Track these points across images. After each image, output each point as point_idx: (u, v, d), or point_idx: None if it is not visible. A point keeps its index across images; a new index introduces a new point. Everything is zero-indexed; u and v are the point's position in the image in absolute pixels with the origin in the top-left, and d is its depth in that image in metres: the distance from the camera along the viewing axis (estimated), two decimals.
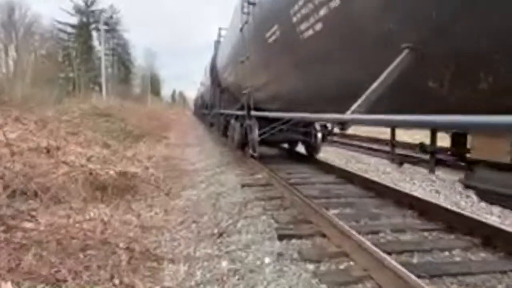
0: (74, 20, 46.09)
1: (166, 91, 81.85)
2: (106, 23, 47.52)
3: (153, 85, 63.24)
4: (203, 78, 19.49)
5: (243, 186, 4.96)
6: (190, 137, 15.02)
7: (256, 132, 5.49)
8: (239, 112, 5.95)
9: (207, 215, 4.27)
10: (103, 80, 30.99)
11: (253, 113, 5.14)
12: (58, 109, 14.29)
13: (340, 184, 5.22)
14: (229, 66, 6.34)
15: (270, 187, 4.91)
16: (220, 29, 12.06)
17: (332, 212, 3.73)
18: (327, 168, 6.36)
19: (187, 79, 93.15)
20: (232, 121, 8.27)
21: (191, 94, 49.91)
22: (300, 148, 8.46)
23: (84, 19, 47.02)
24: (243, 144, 7.18)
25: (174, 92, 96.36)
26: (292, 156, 8.07)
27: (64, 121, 8.04)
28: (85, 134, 7.47)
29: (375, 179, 5.34)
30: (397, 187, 4.77)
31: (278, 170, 6.29)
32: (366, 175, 5.66)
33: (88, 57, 45.50)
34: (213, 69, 10.44)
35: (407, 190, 4.77)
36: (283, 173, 6.05)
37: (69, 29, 46.05)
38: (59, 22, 43.96)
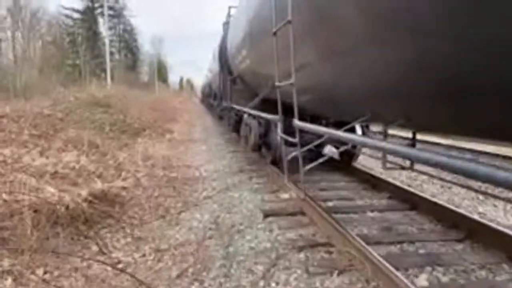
0: (80, 5, 44.65)
1: (173, 78, 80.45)
2: (112, 8, 46.10)
3: (160, 72, 61.90)
4: (210, 64, 17.97)
5: (266, 215, 3.53)
6: (196, 130, 13.62)
7: (296, 149, 3.36)
8: (269, 116, 4.11)
9: (215, 268, 2.87)
10: (107, 66, 29.66)
11: (303, 125, 2.82)
12: (54, 99, 13.06)
13: (401, 211, 3.76)
14: (244, 47, 4.86)
15: (304, 217, 3.47)
16: (230, 7, 10.56)
17: (421, 282, 2.29)
18: (370, 181, 4.90)
19: (195, 66, 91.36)
20: (246, 116, 6.81)
21: (199, 81, 48.43)
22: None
23: (89, 4, 45.50)
24: (259, 146, 5.74)
25: (181, 79, 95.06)
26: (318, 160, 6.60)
27: (44, 116, 6.67)
28: (66, 133, 6.09)
29: (441, 201, 3.87)
30: (486, 221, 3.29)
31: (306, 182, 4.86)
32: (425, 194, 4.19)
33: (93, 43, 44.12)
34: (222, 54, 8.93)
35: (492, 222, 3.33)
36: (315, 188, 4.61)
37: (75, 15, 44.70)
38: (64, 8, 42.57)
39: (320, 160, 3.19)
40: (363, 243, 2.61)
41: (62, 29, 42.30)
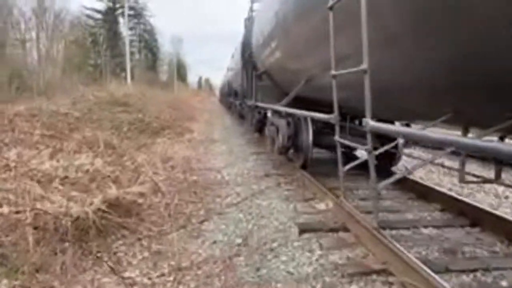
0: (101, 6, 45.19)
1: (192, 78, 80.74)
2: (132, 9, 46.50)
3: (180, 71, 62.12)
4: (230, 63, 17.60)
5: (302, 231, 3.04)
6: (216, 129, 13.24)
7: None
8: (324, 116, 3.02)
9: None
10: (127, 66, 29.81)
11: (380, 126, 2.04)
12: (74, 97, 13.00)
13: (461, 228, 3.19)
14: (273, 39, 4.37)
15: (348, 234, 2.97)
16: (252, 2, 10.15)
17: None
18: (415, 188, 4.33)
19: (213, 65, 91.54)
20: (270, 116, 6.34)
21: (218, 81, 48.36)
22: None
23: (110, 4, 45.98)
24: (287, 148, 5.25)
25: (200, 79, 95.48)
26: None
27: (60, 114, 6.39)
28: (82, 133, 5.78)
29: (505, 215, 3.28)
30: None
31: (337, 187, 4.37)
32: (484, 206, 3.59)
33: (114, 43, 44.58)
34: (245, 50, 8.48)
35: None
36: (353, 197, 4.10)
37: (96, 15, 45.28)
38: (86, 8, 43.14)
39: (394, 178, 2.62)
40: (430, 272, 2.10)
41: (84, 29, 42.91)
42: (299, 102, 4.31)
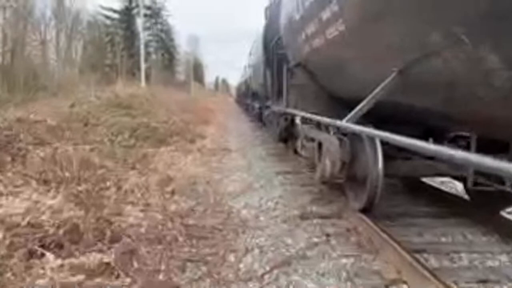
0: (119, 5, 44.55)
1: (209, 78, 79.89)
2: (149, 8, 45.76)
3: (196, 72, 61.13)
4: (248, 61, 15.99)
5: None
6: (231, 135, 11.63)
7: None
8: None
9: None
10: (142, 66, 28.65)
11: None
12: (75, 98, 11.76)
13: None
14: (328, 3, 2.60)
15: None
16: None
17: None
18: None
19: (232, 65, 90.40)
20: (298, 121, 4.69)
21: (235, 82, 47.07)
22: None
23: (127, 4, 45.30)
24: (338, 179, 3.54)
25: (217, 79, 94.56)
26: (417, 190, 4.32)
27: (27, 124, 4.89)
28: (52, 149, 4.25)
29: None
30: None
31: (422, 248, 2.67)
32: None
33: (131, 43, 43.83)
34: (267, 41, 6.83)
35: None
36: (462, 275, 2.37)
37: (113, 15, 44.72)
38: (103, 8, 42.58)
39: None
40: None
41: (101, 29, 42.42)
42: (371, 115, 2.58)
